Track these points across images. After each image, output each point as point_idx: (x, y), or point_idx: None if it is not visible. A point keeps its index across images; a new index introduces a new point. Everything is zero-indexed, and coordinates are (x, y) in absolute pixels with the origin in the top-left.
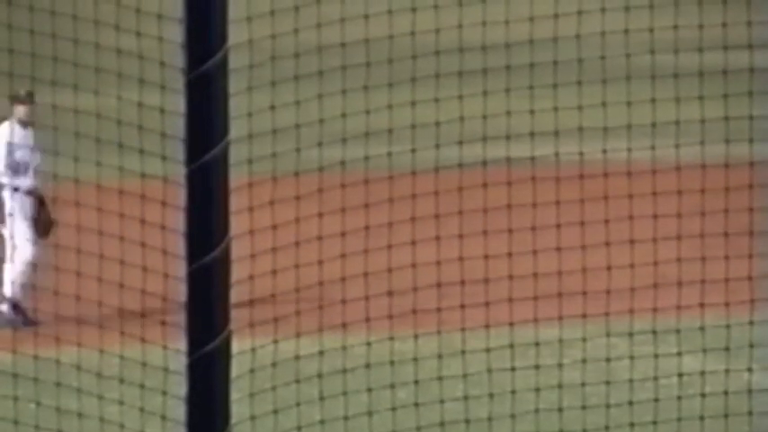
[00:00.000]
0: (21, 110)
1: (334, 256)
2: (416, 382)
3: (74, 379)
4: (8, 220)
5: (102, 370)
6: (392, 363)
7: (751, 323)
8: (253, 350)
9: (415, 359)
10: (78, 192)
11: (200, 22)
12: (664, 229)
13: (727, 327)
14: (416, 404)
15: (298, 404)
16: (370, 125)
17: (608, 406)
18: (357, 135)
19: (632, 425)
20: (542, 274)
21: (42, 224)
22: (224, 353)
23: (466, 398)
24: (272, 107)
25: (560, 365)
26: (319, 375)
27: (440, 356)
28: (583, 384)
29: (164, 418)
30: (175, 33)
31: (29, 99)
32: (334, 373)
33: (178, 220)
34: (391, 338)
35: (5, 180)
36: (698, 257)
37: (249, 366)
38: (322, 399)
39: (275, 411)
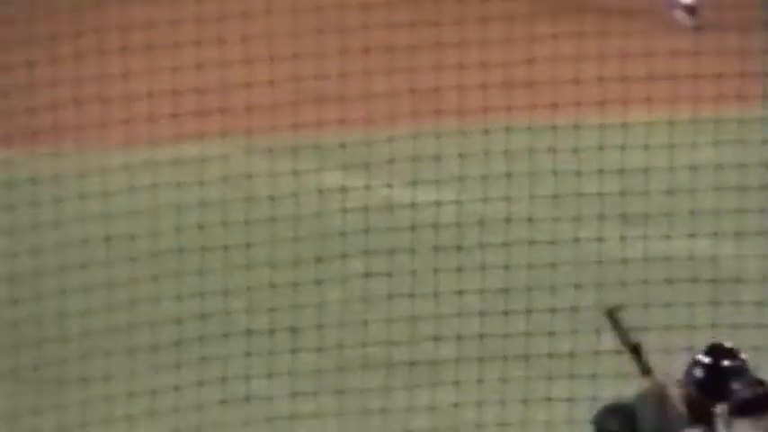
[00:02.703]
0: None
1: None
2: None
3: None
4: None
5: None
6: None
7: (391, 139)
8: None
9: None
10: None
11: None
12: (307, 45)
13: (368, 145)
14: None
15: None
16: None
17: (247, 223)
18: None
19: (273, 241)
20: None
21: None
22: None
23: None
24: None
25: (201, 183)
26: None
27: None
28: (223, 201)
29: None
30: None
31: None
32: None
33: None
34: None
35: None
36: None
37: None
38: None
39: None
